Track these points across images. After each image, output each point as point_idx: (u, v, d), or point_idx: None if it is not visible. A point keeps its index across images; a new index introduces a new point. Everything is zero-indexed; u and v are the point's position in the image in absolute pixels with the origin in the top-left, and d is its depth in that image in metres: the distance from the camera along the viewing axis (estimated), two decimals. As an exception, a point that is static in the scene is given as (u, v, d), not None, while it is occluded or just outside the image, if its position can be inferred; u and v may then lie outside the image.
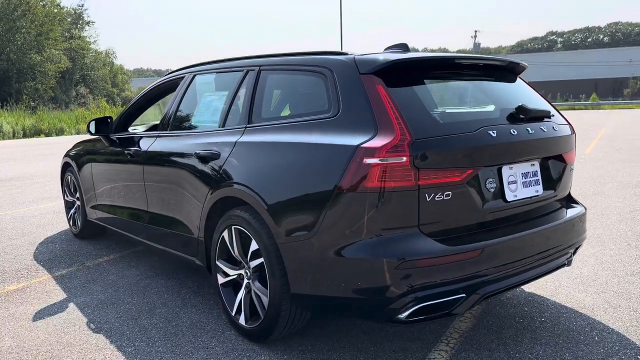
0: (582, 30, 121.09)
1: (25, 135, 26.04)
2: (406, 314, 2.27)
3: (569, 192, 3.09)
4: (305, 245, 2.44)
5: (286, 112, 2.93)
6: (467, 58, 2.70)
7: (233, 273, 2.95)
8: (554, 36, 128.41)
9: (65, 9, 44.65)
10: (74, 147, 5.18)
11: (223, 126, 3.16)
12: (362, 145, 2.27)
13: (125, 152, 3.94)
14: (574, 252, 2.96)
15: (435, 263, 2.24)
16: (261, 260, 2.68)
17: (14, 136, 25.26)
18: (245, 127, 2.95)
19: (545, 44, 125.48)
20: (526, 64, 3.06)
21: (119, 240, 5.06)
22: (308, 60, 2.79)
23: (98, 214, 4.62)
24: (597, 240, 4.60)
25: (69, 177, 5.18)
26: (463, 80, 2.87)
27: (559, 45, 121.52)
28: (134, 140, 4.01)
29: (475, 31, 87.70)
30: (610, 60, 67.21)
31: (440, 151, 2.29)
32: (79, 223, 5.06)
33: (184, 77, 3.75)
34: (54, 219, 6.11)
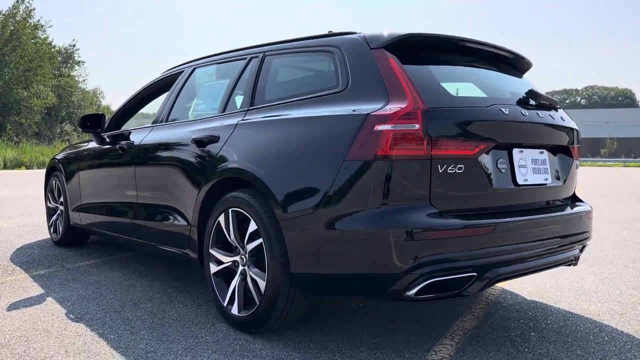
0: (561, 92, 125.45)
1: (5, 167, 25.57)
2: (415, 290, 2.14)
3: (574, 192, 3.04)
4: (309, 219, 2.32)
5: (292, 92, 2.87)
6: (476, 42, 2.69)
7: (227, 260, 2.79)
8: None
9: (57, 47, 45.00)
10: (62, 150, 5.04)
11: (224, 111, 3.08)
12: (374, 113, 2.20)
13: (117, 146, 3.82)
14: (581, 251, 2.87)
15: (446, 236, 2.14)
16: (259, 241, 2.54)
17: (-6, 167, 24.81)
18: (248, 110, 2.88)
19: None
20: (531, 62, 3.07)
21: (101, 247, 4.85)
22: (315, 42, 2.76)
23: (82, 216, 4.43)
24: (593, 262, 4.53)
25: (54, 181, 5.00)
26: (472, 65, 2.85)
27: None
28: (126, 135, 3.89)
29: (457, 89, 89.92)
30: (588, 121, 69.38)
31: (453, 121, 2.23)
32: (61, 230, 4.84)
33: (182, 71, 3.69)
34: (33, 230, 5.86)
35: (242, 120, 2.83)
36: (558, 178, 2.76)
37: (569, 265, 2.80)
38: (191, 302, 3.19)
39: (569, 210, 2.73)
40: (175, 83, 3.66)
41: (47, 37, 41.57)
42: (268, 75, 2.93)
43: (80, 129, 4.20)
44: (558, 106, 2.85)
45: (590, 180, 19.04)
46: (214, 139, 2.90)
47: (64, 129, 45.85)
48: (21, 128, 38.54)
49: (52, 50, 43.15)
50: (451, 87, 2.65)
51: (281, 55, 2.96)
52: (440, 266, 2.14)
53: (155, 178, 3.40)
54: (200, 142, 2.99)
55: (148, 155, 3.48)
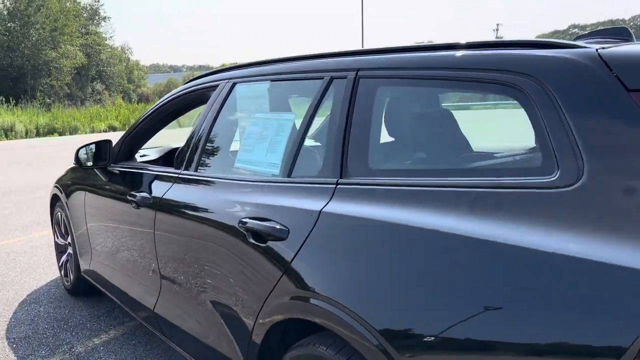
0: (606, 23, 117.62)
1: (38, 134, 25.05)
2: None
3: None
4: None
5: (428, 161, 1.59)
6: None
7: None
8: (576, 29, 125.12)
9: (82, 4, 43.80)
10: (66, 173, 3.89)
11: (289, 175, 1.82)
12: None
13: (129, 197, 2.63)
14: None
15: None
16: None
17: (27, 135, 24.28)
18: (337, 184, 1.61)
19: (567, 38, 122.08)
20: None
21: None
22: (474, 60, 1.42)
23: (94, 274, 3.33)
24: None
25: (59, 214, 3.90)
26: None
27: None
28: (141, 180, 2.69)
29: (498, 24, 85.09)
30: None
31: None
32: (72, 276, 3.78)
33: (217, 85, 2.42)
34: (46, 256, 4.85)
35: (327, 207, 1.57)
36: None
37: None
38: None
39: None
40: (208, 106, 2.39)
41: (71, -6, 40.36)
42: (371, 118, 1.63)
43: (80, 167, 3.05)
44: None
45: None
46: (279, 235, 1.67)
47: (95, 88, 45.35)
48: (53, 90, 38.12)
49: (77, 7, 42.05)
50: None
51: (396, 80, 1.64)
52: None
53: (184, 268, 2.21)
54: (256, 235, 1.76)
55: (172, 227, 2.28)
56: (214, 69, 2.69)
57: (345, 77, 1.74)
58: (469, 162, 1.58)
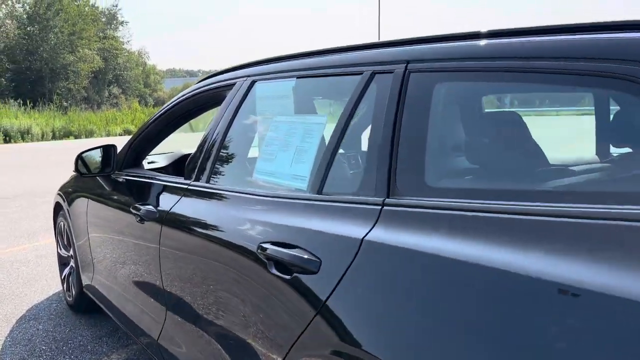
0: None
1: (54, 137, 25.06)
2: None
3: None
4: None
5: (506, 179, 1.26)
6: None
7: None
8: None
9: (100, 8, 44.16)
10: (69, 181, 3.61)
11: (320, 191, 1.50)
12: None
13: (132, 210, 2.32)
14: None
15: None
16: None
17: (43, 138, 24.30)
18: (383, 205, 1.28)
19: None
20: None
21: (129, 319, 3.46)
22: (577, 46, 1.07)
23: (95, 290, 3.04)
24: None
25: (62, 223, 3.62)
26: None
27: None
28: (146, 190, 2.39)
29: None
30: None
31: None
32: (74, 290, 3.49)
33: (234, 83, 2.10)
34: (50, 267, 4.57)
35: (372, 233, 1.24)
36: None
37: None
38: None
39: None
40: (223, 107, 2.08)
41: (89, -2, 40.79)
42: (427, 123, 1.30)
43: (80, 175, 2.76)
44: None
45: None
46: (307, 266, 1.34)
47: (112, 92, 45.56)
48: (70, 93, 38.35)
49: (95, 11, 42.39)
50: None
51: (458, 75, 1.31)
52: None
53: (193, 296, 1.89)
54: (279, 264, 1.44)
55: (180, 247, 1.97)
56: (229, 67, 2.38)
57: (392, 72, 1.41)
58: (555, 181, 1.25)
